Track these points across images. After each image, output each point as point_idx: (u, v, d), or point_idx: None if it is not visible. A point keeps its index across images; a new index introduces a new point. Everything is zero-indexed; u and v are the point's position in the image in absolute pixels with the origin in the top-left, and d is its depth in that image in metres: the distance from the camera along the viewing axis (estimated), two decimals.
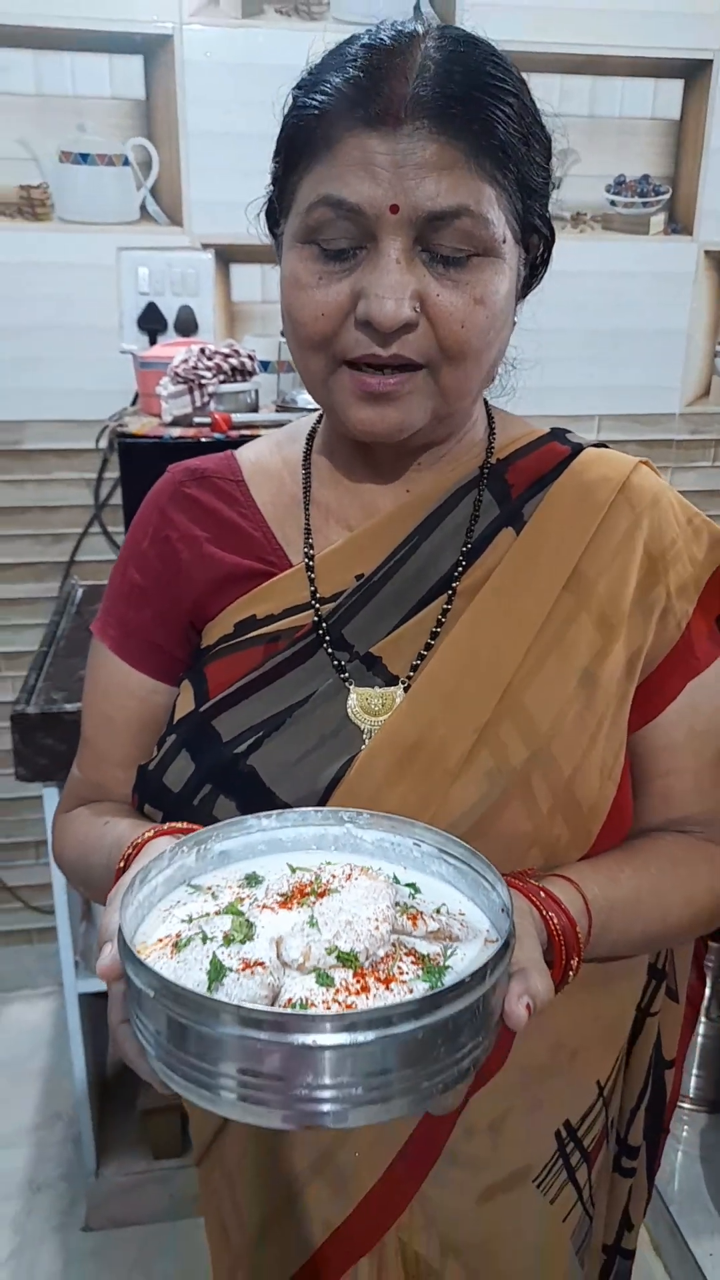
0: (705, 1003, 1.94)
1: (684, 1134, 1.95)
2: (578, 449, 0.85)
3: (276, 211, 0.76)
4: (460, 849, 0.61)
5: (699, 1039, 1.97)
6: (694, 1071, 1.98)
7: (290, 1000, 0.49)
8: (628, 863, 0.78)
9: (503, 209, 0.69)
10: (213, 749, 0.77)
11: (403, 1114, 0.49)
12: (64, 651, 1.85)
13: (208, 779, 0.76)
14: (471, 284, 0.69)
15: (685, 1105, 1.98)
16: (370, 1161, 0.80)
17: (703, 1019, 1.95)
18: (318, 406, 0.81)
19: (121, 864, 0.68)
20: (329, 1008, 0.49)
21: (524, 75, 0.73)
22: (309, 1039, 0.45)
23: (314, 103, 0.68)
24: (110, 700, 0.87)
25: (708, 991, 1.93)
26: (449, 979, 0.52)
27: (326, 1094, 0.46)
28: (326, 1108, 0.47)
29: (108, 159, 1.99)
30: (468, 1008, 0.48)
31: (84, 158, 1.98)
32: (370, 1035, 0.45)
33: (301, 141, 0.70)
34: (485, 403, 0.88)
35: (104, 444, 2.10)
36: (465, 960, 0.54)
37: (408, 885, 0.61)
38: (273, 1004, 0.50)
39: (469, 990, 0.48)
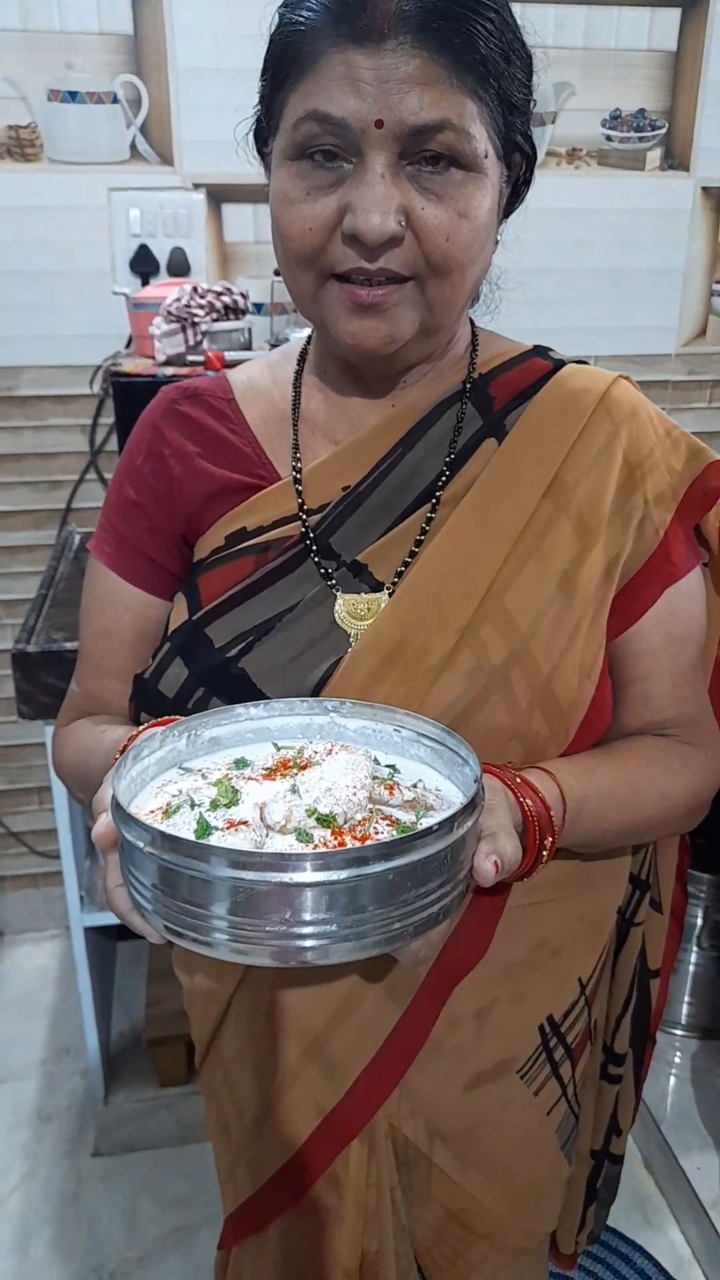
0: (696, 932, 1.99)
1: (676, 1059, 2.01)
2: (559, 364, 0.87)
3: (265, 131, 0.77)
4: (436, 729, 0.64)
5: (690, 967, 2.02)
6: (685, 999, 2.03)
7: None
8: (604, 759, 0.81)
9: (485, 124, 0.70)
10: (205, 654, 0.80)
11: (378, 951, 0.52)
12: (63, 595, 1.87)
13: (201, 683, 0.79)
14: (455, 198, 0.70)
15: (677, 1031, 2.04)
16: (359, 1049, 0.83)
17: (694, 948, 2.00)
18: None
19: (117, 757, 0.71)
20: None
21: (519, 6, 0.73)
22: (288, 877, 0.48)
23: (300, 19, 0.69)
24: (107, 614, 0.90)
25: (699, 921, 1.98)
26: None
27: (307, 930, 0.50)
28: (308, 944, 0.50)
29: (97, 97, 1.97)
30: (436, 854, 0.52)
31: (73, 96, 1.96)
32: (344, 873, 0.48)
33: (288, 58, 0.71)
34: (470, 321, 0.89)
35: (98, 386, 2.10)
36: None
37: (388, 767, 0.64)
38: None
39: (437, 837, 0.52)
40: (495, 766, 0.72)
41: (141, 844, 0.52)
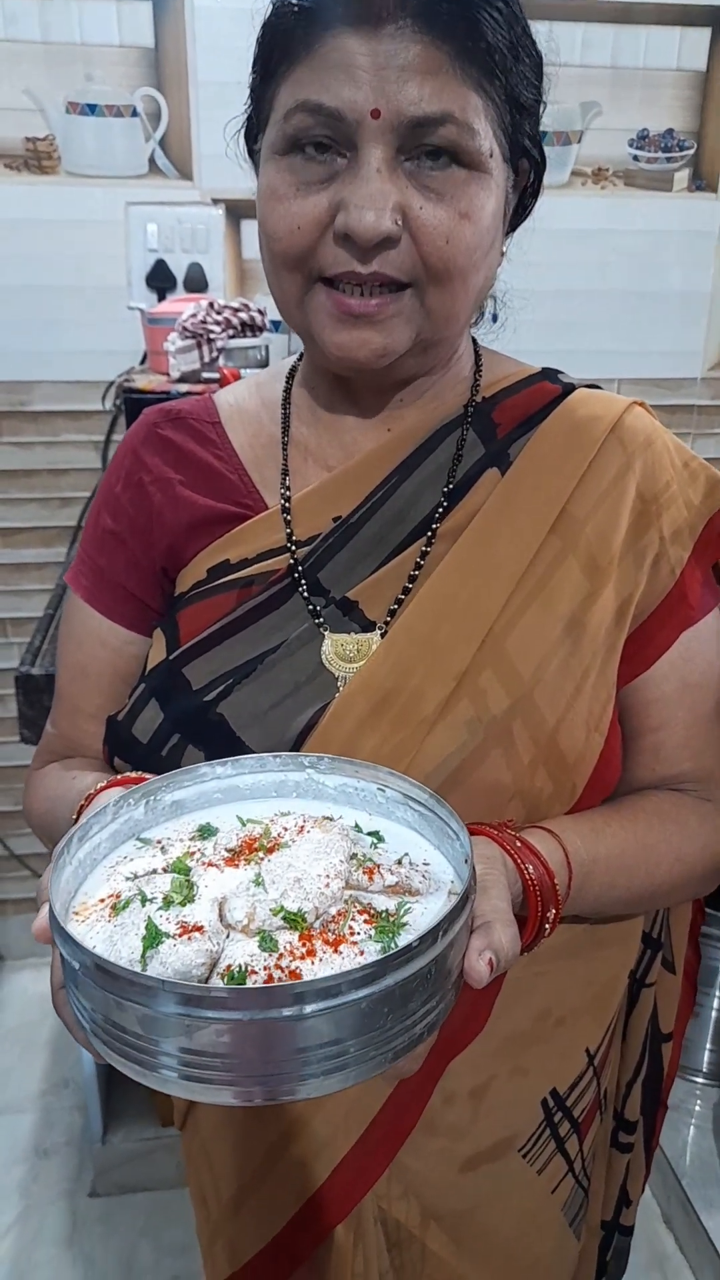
0: (718, 978, 1.90)
1: (696, 1108, 1.92)
2: (569, 388, 0.81)
3: (255, 127, 0.72)
4: (424, 794, 0.58)
5: (711, 1013, 1.93)
6: (706, 1046, 1.95)
7: (229, 967, 0.46)
8: (614, 817, 0.75)
9: (490, 121, 0.66)
10: (182, 697, 0.74)
11: (355, 1082, 0.46)
12: None
13: (176, 728, 0.74)
14: (457, 198, 0.66)
15: (698, 1080, 1.96)
16: (344, 1128, 0.77)
17: (715, 994, 1.91)
18: None
19: (74, 817, 0.66)
20: (270, 975, 0.46)
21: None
22: (244, 1015, 0.42)
23: (293, 4, 0.65)
24: (83, 651, 0.84)
25: (719, 966, 1.89)
26: (404, 938, 0.49)
27: (270, 1068, 0.44)
28: (272, 1083, 0.44)
29: (116, 110, 1.94)
30: (417, 973, 0.45)
31: (92, 109, 1.93)
32: (308, 1008, 0.42)
33: (279, 45, 0.66)
34: (474, 341, 0.83)
35: (110, 403, 2.07)
36: (425, 915, 0.50)
37: (370, 834, 0.57)
38: (211, 970, 0.47)
39: (418, 954, 0.45)
40: (492, 827, 0.66)
41: (77, 965, 0.46)
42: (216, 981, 0.47)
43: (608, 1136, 0.99)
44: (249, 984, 0.46)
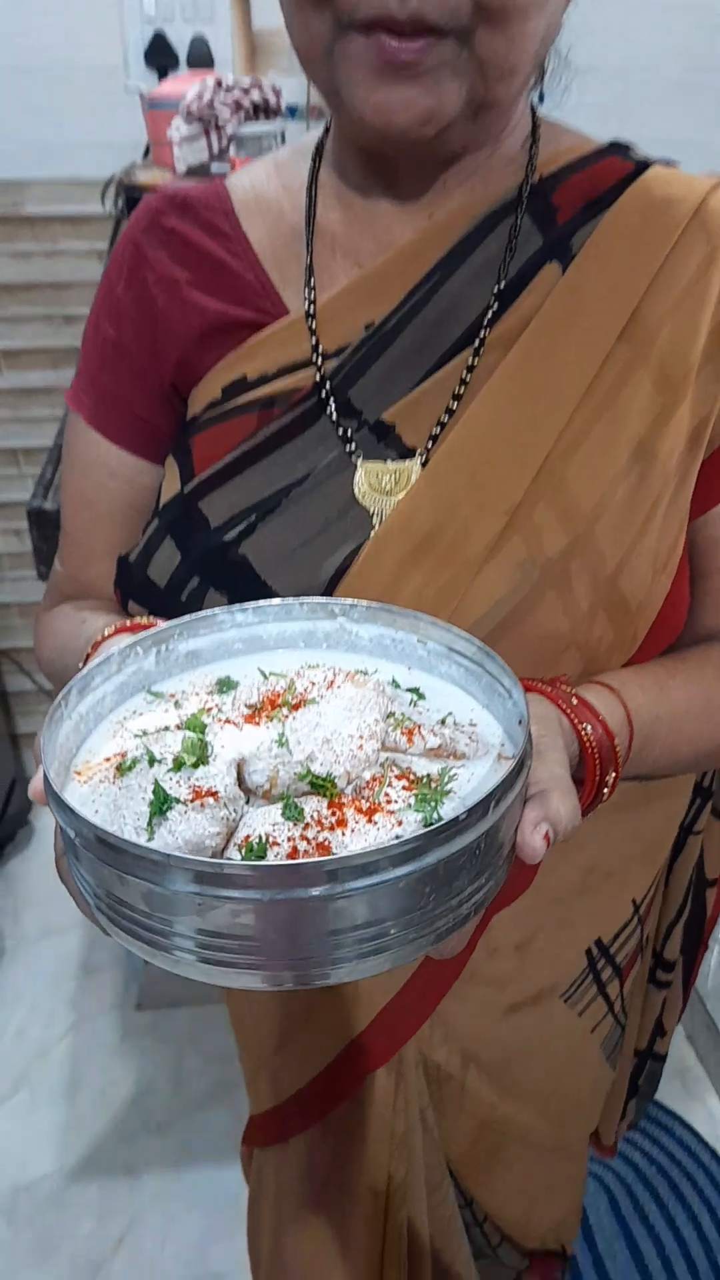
0: None
1: None
2: (643, 165, 0.67)
3: None
4: (471, 647, 0.50)
5: None
6: None
7: (248, 838, 0.40)
8: (678, 670, 0.67)
9: None
10: (200, 536, 0.66)
11: (395, 965, 0.41)
12: None
13: (195, 570, 0.66)
14: None
15: None
16: (387, 979, 0.75)
17: None
18: None
19: (81, 665, 0.59)
20: (295, 847, 0.40)
21: None
22: (263, 895, 0.36)
23: None
24: (89, 481, 0.76)
25: None
26: (448, 808, 0.42)
27: (299, 952, 0.39)
28: (301, 967, 0.39)
29: None
30: (465, 848, 0.39)
31: None
32: (337, 887, 0.36)
33: None
34: (532, 109, 0.69)
35: (111, 205, 1.88)
36: (471, 782, 0.44)
37: (410, 690, 0.50)
38: (228, 842, 0.41)
39: (467, 828, 0.39)
40: (545, 684, 0.59)
41: (75, 835, 0.40)
42: (234, 854, 0.41)
43: (646, 973, 0.98)
44: (270, 856, 0.40)
